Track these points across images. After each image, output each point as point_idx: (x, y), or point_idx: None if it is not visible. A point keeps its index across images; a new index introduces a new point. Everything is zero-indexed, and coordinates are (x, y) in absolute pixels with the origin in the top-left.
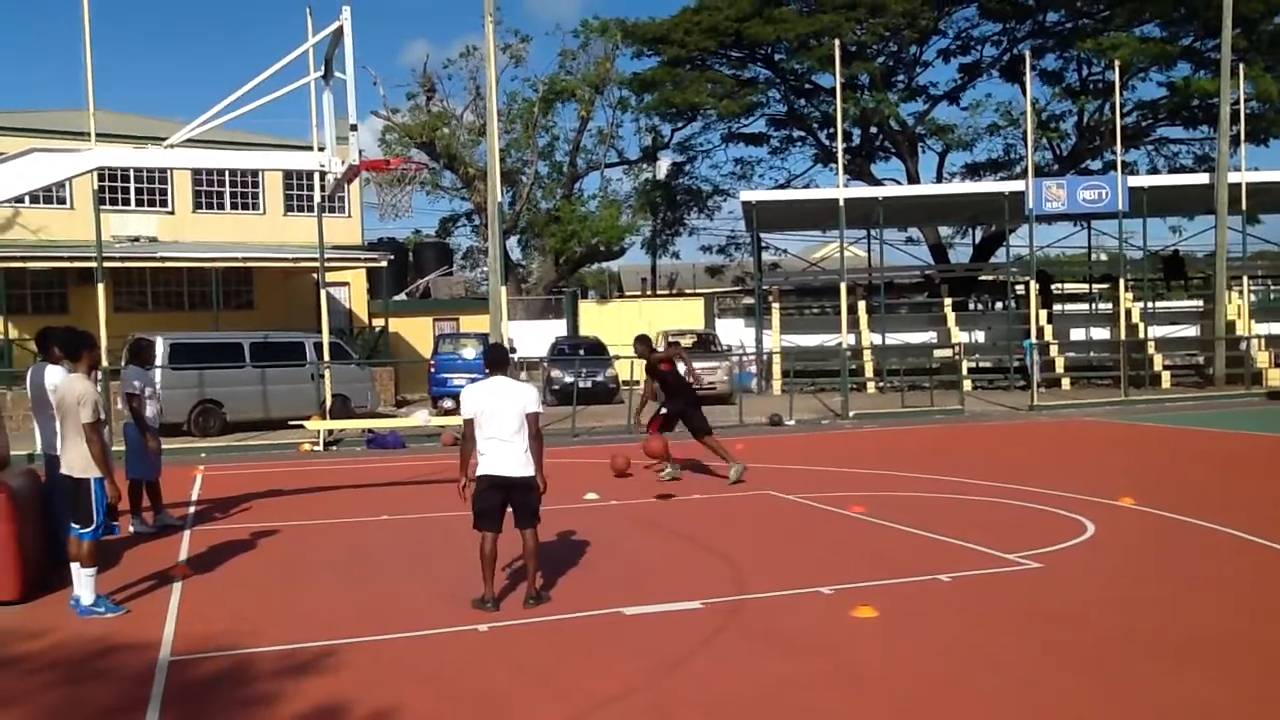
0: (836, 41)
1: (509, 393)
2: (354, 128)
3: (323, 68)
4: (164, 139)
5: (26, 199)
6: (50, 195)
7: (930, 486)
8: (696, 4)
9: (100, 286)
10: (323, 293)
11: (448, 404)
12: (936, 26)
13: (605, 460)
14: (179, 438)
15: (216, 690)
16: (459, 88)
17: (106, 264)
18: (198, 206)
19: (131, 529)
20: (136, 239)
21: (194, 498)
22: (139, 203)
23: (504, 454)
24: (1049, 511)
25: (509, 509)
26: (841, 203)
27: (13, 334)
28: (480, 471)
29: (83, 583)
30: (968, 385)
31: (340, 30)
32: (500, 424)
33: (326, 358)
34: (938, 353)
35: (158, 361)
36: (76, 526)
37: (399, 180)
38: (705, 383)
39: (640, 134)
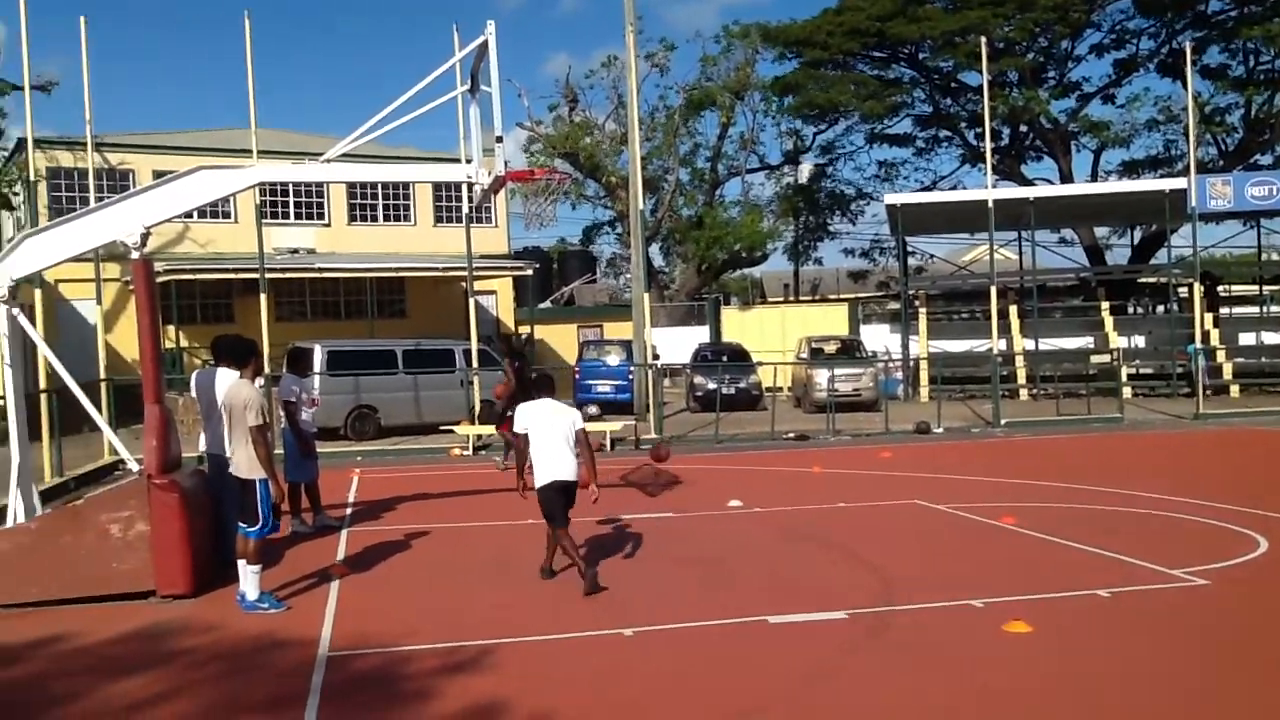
0: (983, 39)
1: (559, 412)
2: (499, 139)
3: (469, 81)
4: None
5: (195, 214)
6: (216, 210)
7: (1086, 498)
8: (838, 5)
9: (263, 296)
10: (471, 301)
11: (593, 410)
12: (1089, 20)
13: (747, 467)
14: (335, 441)
15: (373, 686)
16: (600, 97)
17: (267, 275)
18: (352, 219)
19: (291, 529)
20: (295, 251)
21: (350, 499)
22: (298, 216)
23: (560, 462)
24: (1216, 525)
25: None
26: (990, 204)
27: (183, 342)
28: (543, 481)
29: (248, 579)
30: (1127, 393)
31: (485, 44)
32: (555, 437)
33: (475, 364)
34: (1095, 358)
35: (316, 368)
36: (243, 525)
37: (543, 190)
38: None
39: (781, 138)
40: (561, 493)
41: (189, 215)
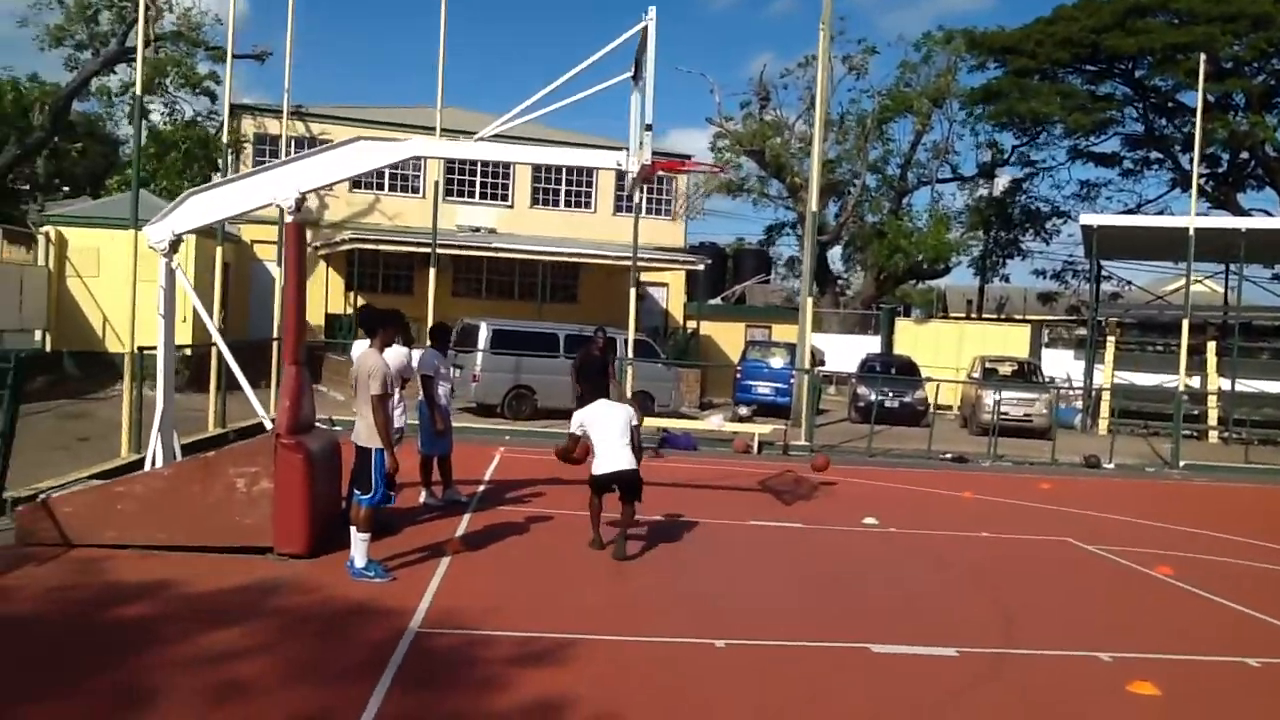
0: (1203, 55)
1: (616, 411)
2: (649, 128)
3: (633, 68)
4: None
5: (386, 186)
6: (406, 185)
7: (1259, 555)
8: (1051, 14)
9: (432, 271)
10: (632, 291)
11: (743, 411)
12: None
13: (895, 485)
14: (491, 418)
15: (449, 667)
16: (794, 97)
17: (447, 251)
18: (535, 203)
19: (421, 500)
20: (477, 229)
21: (486, 477)
22: (482, 196)
23: (617, 454)
24: None
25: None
26: (1191, 231)
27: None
28: (599, 471)
29: (357, 546)
30: None
31: (645, 31)
32: (612, 433)
33: (630, 354)
34: None
35: (480, 345)
36: (357, 492)
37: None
38: (1020, 415)
39: (979, 148)
40: (611, 480)
41: (360, 183)
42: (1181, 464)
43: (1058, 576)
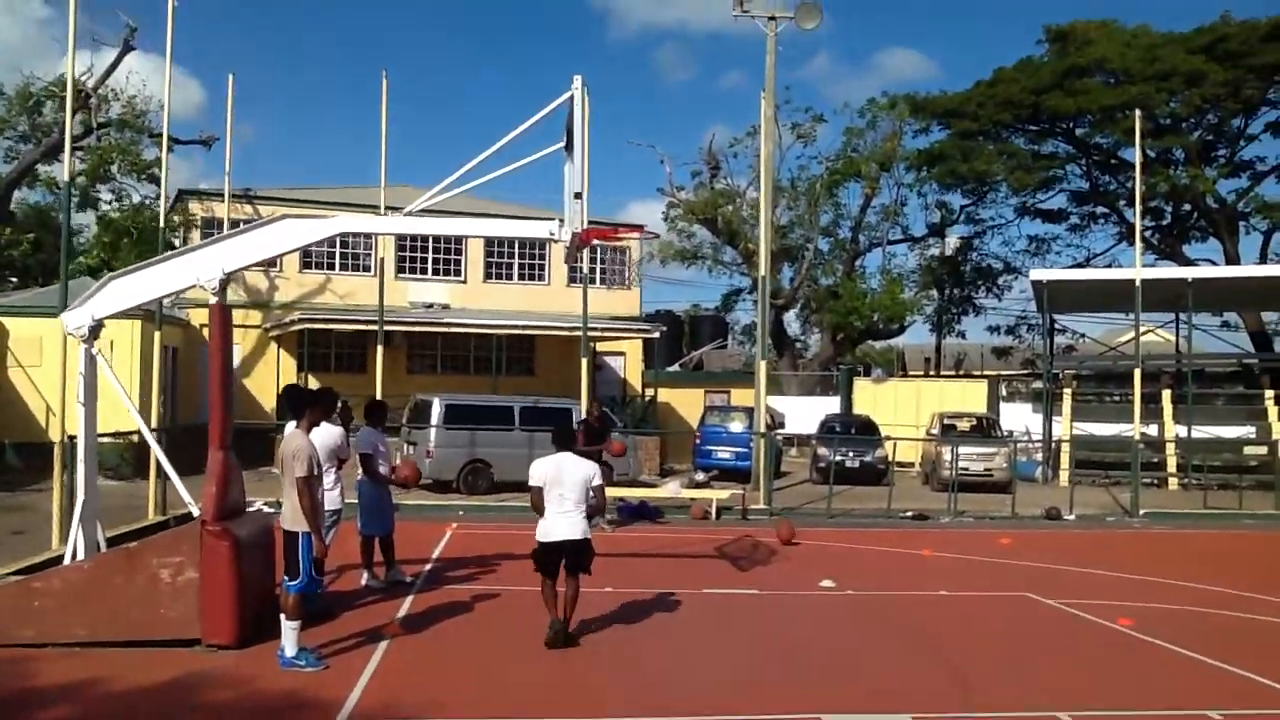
0: (1138, 112)
1: (575, 468)
2: (578, 196)
3: (565, 138)
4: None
5: (336, 265)
6: (358, 264)
7: (1220, 602)
8: (992, 77)
9: (380, 349)
10: (584, 362)
11: (700, 476)
12: (1265, 97)
13: (854, 545)
14: (447, 494)
15: None
16: (744, 165)
17: (399, 328)
18: (488, 277)
19: (363, 582)
20: (430, 305)
21: (435, 555)
22: (435, 272)
23: (565, 522)
24: None
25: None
26: (1138, 283)
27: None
28: (543, 539)
29: (286, 635)
30: None
31: (573, 99)
32: (566, 493)
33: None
34: (1249, 449)
35: (434, 421)
36: (286, 578)
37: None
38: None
39: (928, 209)
40: (558, 553)
41: (271, 265)
42: (1141, 512)
43: (1016, 633)
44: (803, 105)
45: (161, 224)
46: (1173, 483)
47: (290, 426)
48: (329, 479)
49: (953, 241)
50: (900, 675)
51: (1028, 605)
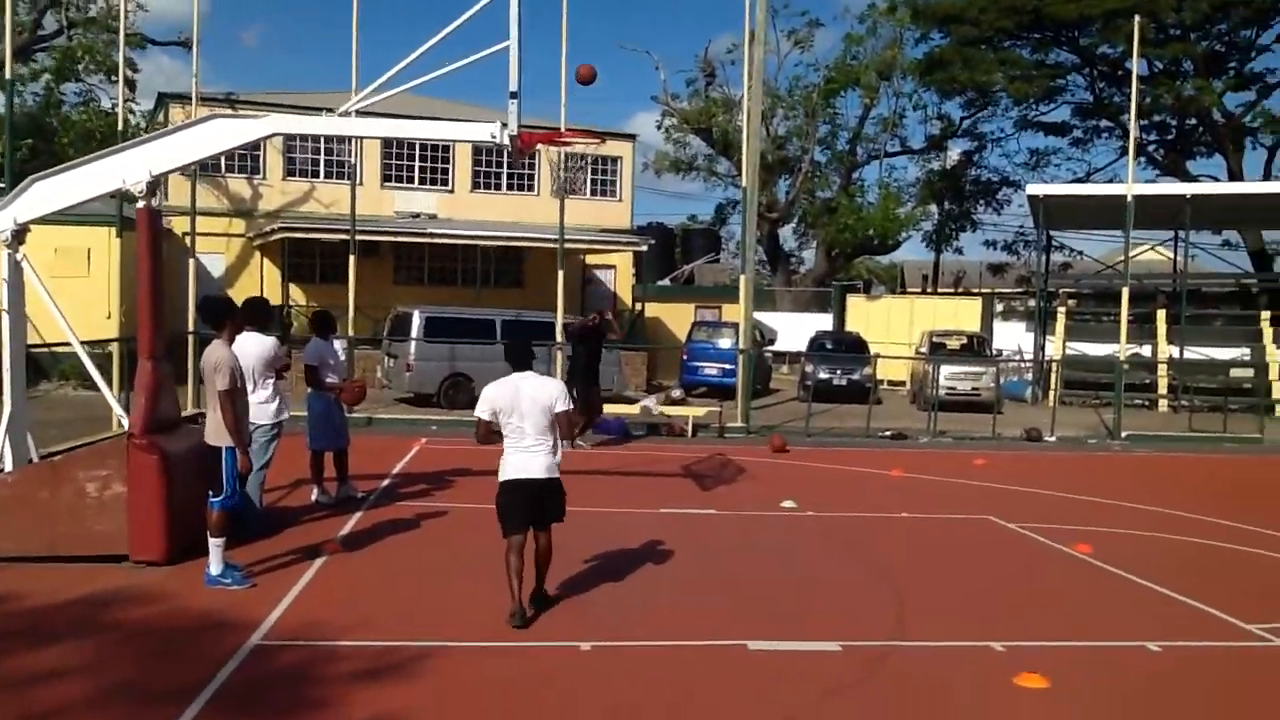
0: (1136, 18)
1: (537, 390)
2: (514, 95)
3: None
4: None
5: (321, 173)
6: (343, 172)
7: (1186, 528)
8: None
9: (352, 259)
10: (559, 272)
11: (676, 393)
12: (1278, 5)
13: (826, 465)
14: (427, 408)
15: (280, 685)
16: (741, 74)
17: (384, 239)
18: (475, 186)
19: (313, 498)
20: (417, 215)
21: (395, 470)
22: (422, 181)
23: (528, 457)
24: None
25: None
26: (1130, 198)
27: (297, 300)
28: (504, 475)
29: (211, 552)
30: None
31: None
32: (525, 424)
33: (559, 337)
34: (1235, 372)
35: (413, 334)
36: (210, 494)
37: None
38: (968, 389)
39: (928, 121)
40: (527, 493)
41: (290, 171)
42: (1124, 435)
43: (970, 559)
44: (800, 9)
45: (120, 125)
46: (1163, 404)
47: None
48: (265, 391)
49: (953, 155)
50: (839, 601)
51: (988, 529)
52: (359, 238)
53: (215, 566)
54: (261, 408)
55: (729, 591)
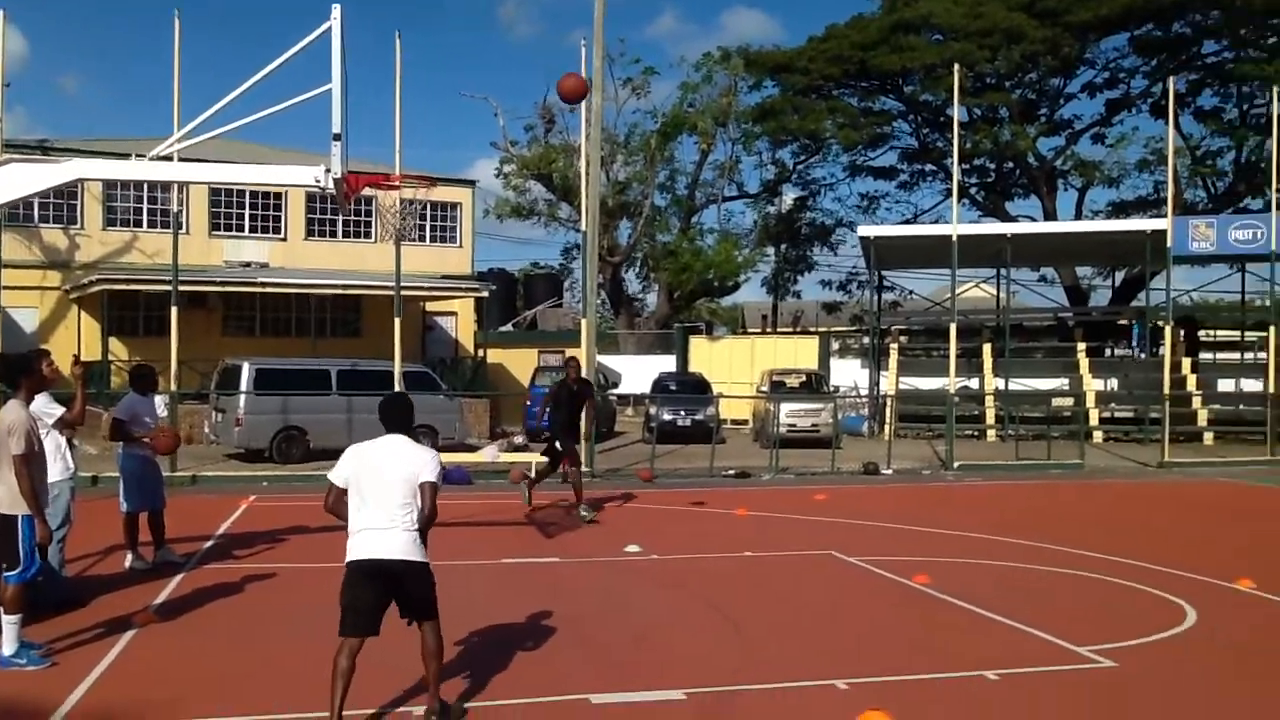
0: (957, 67)
1: (399, 458)
2: (337, 137)
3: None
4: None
5: (144, 222)
6: (166, 221)
7: (1016, 554)
8: (824, 32)
9: (174, 310)
10: (397, 321)
11: (519, 439)
12: (1082, 57)
13: (671, 506)
14: (259, 464)
15: None
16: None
17: (211, 289)
18: (310, 234)
19: (127, 564)
20: (248, 264)
21: (219, 531)
22: (253, 230)
23: (380, 535)
24: (1146, 592)
25: (392, 603)
26: (955, 238)
27: (119, 354)
28: (351, 555)
29: (5, 631)
30: (1099, 437)
31: (331, 31)
32: (380, 496)
33: (398, 387)
34: (1056, 401)
35: (243, 387)
36: (4, 568)
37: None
38: (808, 426)
39: (763, 167)
40: (377, 580)
41: (111, 220)
42: (956, 465)
43: (813, 595)
44: (634, 57)
45: None
46: (991, 434)
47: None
48: (50, 444)
49: (787, 200)
50: (682, 646)
51: (830, 564)
52: (184, 288)
53: (9, 646)
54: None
55: (572, 643)
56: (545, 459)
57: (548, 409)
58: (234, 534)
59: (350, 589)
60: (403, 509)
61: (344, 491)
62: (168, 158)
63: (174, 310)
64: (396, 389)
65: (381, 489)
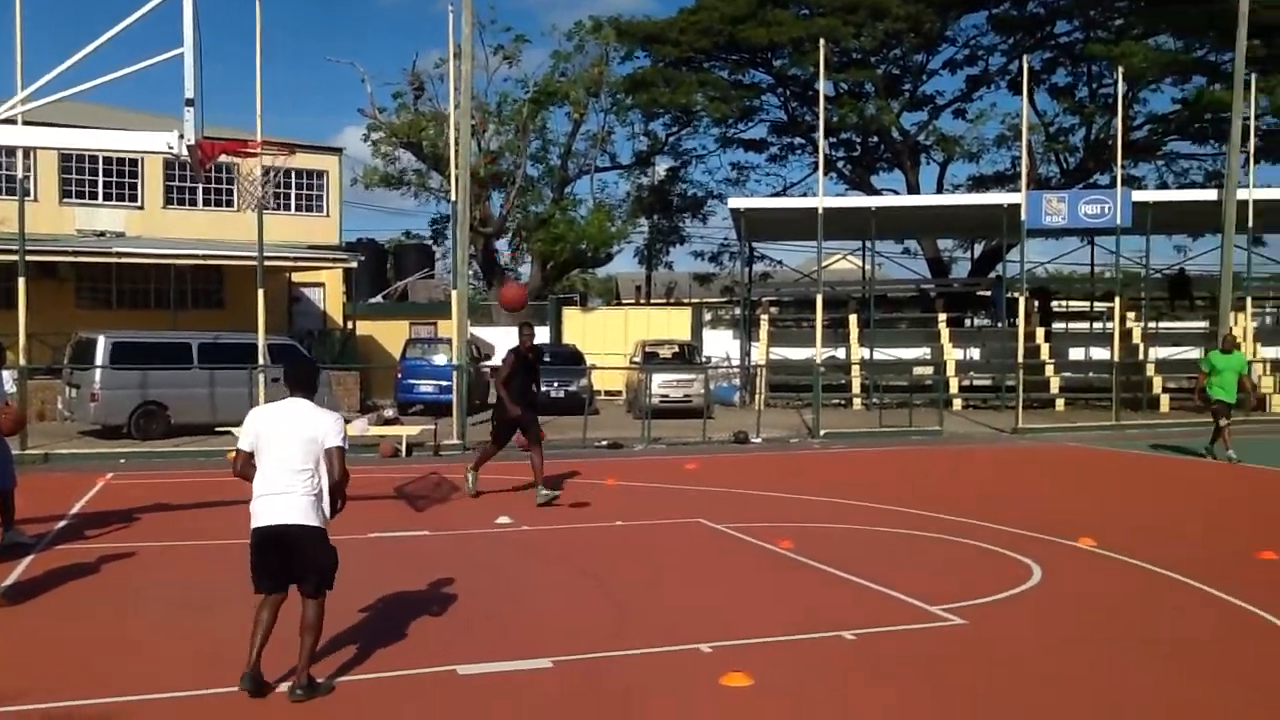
0: (822, 42)
1: (301, 421)
2: (189, 103)
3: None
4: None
5: None
6: (12, 188)
7: (876, 518)
8: (695, 3)
9: (21, 281)
10: (260, 293)
11: (389, 413)
12: (943, 34)
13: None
14: (117, 440)
15: None
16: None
17: (62, 259)
18: (169, 202)
19: None
20: (103, 234)
21: (73, 511)
22: (107, 197)
23: (280, 500)
24: (996, 552)
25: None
26: (820, 211)
27: None
28: (255, 522)
29: None
30: (958, 405)
31: None
32: (281, 459)
33: (262, 360)
34: (918, 370)
35: (99, 360)
36: None
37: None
38: (680, 396)
39: (635, 138)
40: (277, 544)
41: None
42: (823, 433)
43: (681, 562)
44: (504, 25)
45: None
46: (856, 403)
47: None
48: None
49: (660, 171)
50: (550, 616)
51: (699, 531)
52: (32, 258)
53: None
54: None
55: (442, 616)
56: (490, 440)
57: (508, 384)
58: (89, 513)
59: (254, 553)
60: (301, 474)
61: (251, 455)
62: (10, 121)
63: (21, 282)
64: (260, 362)
65: (281, 452)
